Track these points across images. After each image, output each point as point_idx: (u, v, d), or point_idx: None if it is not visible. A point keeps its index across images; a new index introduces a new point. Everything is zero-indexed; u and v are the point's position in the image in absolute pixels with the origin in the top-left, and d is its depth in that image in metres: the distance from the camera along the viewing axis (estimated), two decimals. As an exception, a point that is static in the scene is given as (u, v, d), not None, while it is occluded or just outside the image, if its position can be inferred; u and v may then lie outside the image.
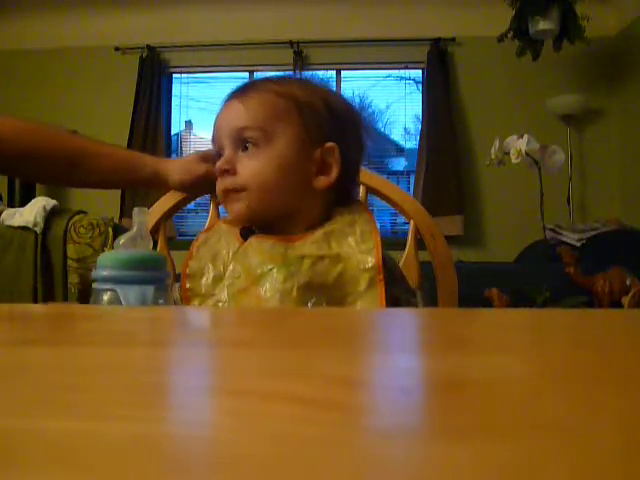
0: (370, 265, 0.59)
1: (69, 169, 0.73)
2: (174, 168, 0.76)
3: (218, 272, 0.62)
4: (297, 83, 0.68)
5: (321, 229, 0.62)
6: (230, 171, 0.63)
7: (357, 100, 3.67)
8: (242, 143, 0.63)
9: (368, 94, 3.71)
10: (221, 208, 0.84)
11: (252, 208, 0.63)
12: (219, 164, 0.64)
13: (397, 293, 0.62)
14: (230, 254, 0.63)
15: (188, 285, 0.63)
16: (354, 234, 0.62)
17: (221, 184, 0.65)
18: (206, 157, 0.74)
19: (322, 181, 0.64)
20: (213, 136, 0.68)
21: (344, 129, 0.66)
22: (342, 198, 0.67)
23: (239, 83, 0.69)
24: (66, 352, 0.24)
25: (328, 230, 0.62)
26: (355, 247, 0.61)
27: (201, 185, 0.75)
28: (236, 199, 0.64)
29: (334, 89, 0.75)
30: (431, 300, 0.78)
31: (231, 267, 0.62)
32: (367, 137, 0.70)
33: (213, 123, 0.68)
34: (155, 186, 0.78)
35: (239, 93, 0.66)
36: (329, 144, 0.64)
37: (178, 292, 0.64)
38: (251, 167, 0.63)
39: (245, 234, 0.65)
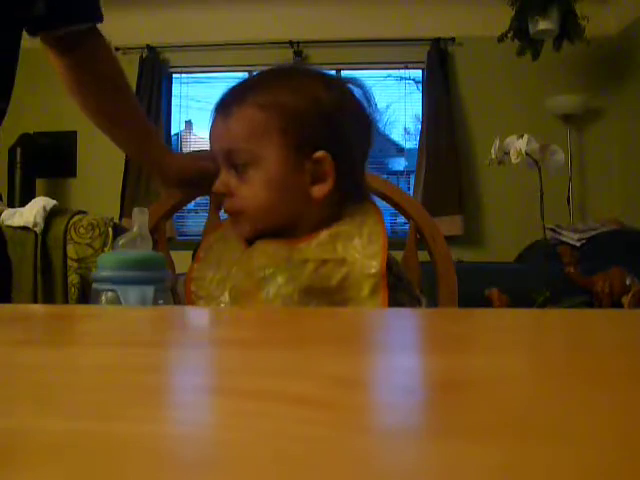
0: (374, 270, 0.58)
1: (117, 114, 0.79)
2: (172, 164, 0.77)
3: (222, 274, 0.62)
4: (286, 85, 0.63)
5: (327, 230, 0.61)
6: (227, 194, 0.63)
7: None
8: (232, 164, 0.62)
9: (368, 94, 3.70)
10: (220, 208, 0.84)
11: (254, 229, 0.63)
12: (215, 187, 0.64)
13: (402, 299, 0.61)
14: (234, 256, 0.63)
15: (193, 288, 0.63)
16: (361, 236, 0.60)
17: (223, 206, 0.66)
18: (205, 156, 0.74)
19: (318, 190, 0.61)
20: (210, 149, 0.67)
21: (337, 130, 0.62)
22: (349, 196, 0.64)
23: (227, 88, 0.66)
24: (66, 352, 0.24)
25: (335, 232, 0.61)
26: (361, 250, 0.59)
27: (195, 182, 0.76)
28: (237, 221, 0.64)
29: (333, 76, 0.69)
30: (430, 300, 0.78)
31: (234, 270, 0.62)
32: (371, 125, 0.66)
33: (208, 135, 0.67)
34: (154, 174, 0.81)
35: (222, 108, 0.64)
36: (319, 154, 0.60)
37: (182, 288, 0.64)
38: (244, 191, 0.62)
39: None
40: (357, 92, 0.66)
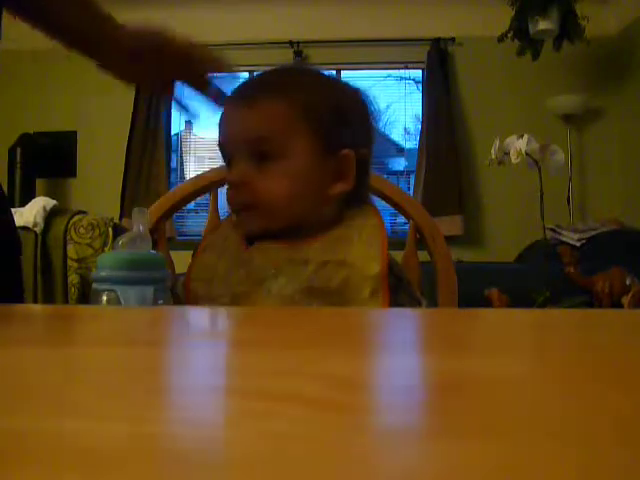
0: (375, 272, 0.58)
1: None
2: (124, 33, 0.72)
3: (221, 275, 0.62)
4: (305, 83, 0.64)
5: (328, 232, 0.61)
6: (243, 184, 0.60)
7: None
8: (257, 155, 0.60)
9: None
10: (220, 208, 0.84)
11: (268, 224, 0.61)
12: (233, 177, 0.60)
13: (402, 301, 0.61)
14: (234, 257, 0.63)
15: (192, 288, 0.62)
16: (361, 238, 0.60)
17: (236, 198, 0.61)
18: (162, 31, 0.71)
19: (339, 188, 0.61)
20: (220, 142, 0.64)
21: (355, 129, 0.63)
22: (353, 198, 0.64)
23: (242, 81, 0.66)
24: (66, 352, 0.24)
25: (335, 234, 0.61)
26: (361, 252, 0.59)
27: (151, 49, 0.71)
28: (251, 215, 0.61)
29: (339, 79, 0.72)
30: (430, 300, 0.78)
31: (234, 270, 0.61)
32: (374, 128, 0.67)
33: (219, 127, 0.64)
34: (101, 51, 0.72)
35: (247, 97, 0.62)
36: (345, 152, 0.61)
37: (181, 288, 0.64)
38: (268, 184, 0.59)
39: (250, 237, 0.65)
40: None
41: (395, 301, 0.59)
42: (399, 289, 0.61)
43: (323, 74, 0.69)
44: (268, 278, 0.59)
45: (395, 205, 0.82)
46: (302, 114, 0.60)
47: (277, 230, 0.61)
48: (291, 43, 3.46)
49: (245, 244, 0.63)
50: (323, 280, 0.58)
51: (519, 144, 2.24)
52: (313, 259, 0.59)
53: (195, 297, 0.62)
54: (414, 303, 0.63)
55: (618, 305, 1.73)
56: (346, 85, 0.68)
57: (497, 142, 2.32)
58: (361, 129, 0.65)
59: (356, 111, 0.65)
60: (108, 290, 0.48)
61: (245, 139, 0.60)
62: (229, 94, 0.65)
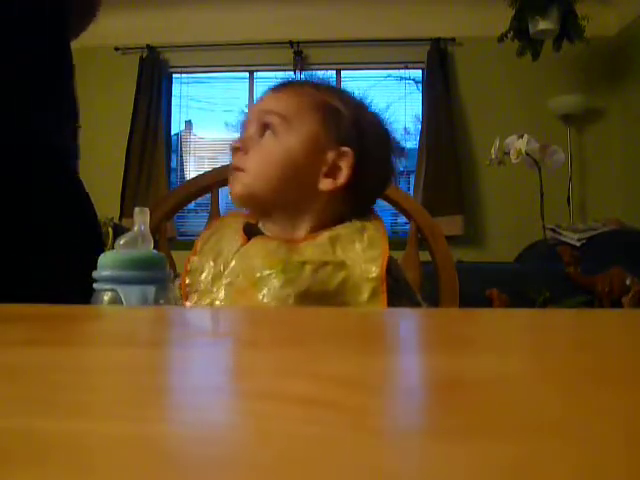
0: (374, 275, 0.58)
1: None
2: None
3: (218, 269, 0.62)
4: (332, 92, 0.69)
5: (327, 232, 0.61)
6: (242, 150, 0.64)
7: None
8: (262, 127, 0.64)
9: (368, 94, 3.71)
10: (221, 208, 0.84)
11: (248, 191, 0.64)
12: (234, 142, 0.66)
13: (401, 304, 0.61)
14: (231, 256, 0.63)
15: (187, 281, 0.63)
16: (361, 240, 0.60)
17: (233, 160, 0.66)
18: None
19: (327, 183, 0.63)
20: (243, 121, 0.69)
21: (369, 145, 0.66)
22: (358, 211, 0.66)
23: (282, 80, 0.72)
24: (66, 352, 0.24)
25: (334, 234, 0.61)
26: (361, 254, 0.59)
27: None
28: (238, 178, 0.64)
29: (370, 107, 0.74)
30: (431, 300, 0.78)
31: (231, 265, 0.61)
32: (396, 162, 0.71)
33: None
34: None
35: (276, 87, 0.69)
36: (344, 148, 0.64)
37: (178, 289, 0.63)
38: (261, 152, 0.64)
39: (249, 232, 0.65)
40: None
41: (394, 304, 0.58)
42: (397, 292, 0.61)
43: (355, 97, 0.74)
44: (264, 278, 0.58)
45: (395, 205, 0.82)
46: (316, 103, 0.65)
47: (260, 203, 0.64)
48: (291, 43, 3.46)
49: (243, 237, 0.63)
50: (321, 282, 0.57)
51: (519, 144, 2.24)
52: (311, 260, 0.59)
53: (190, 290, 0.62)
54: (413, 306, 0.63)
55: (618, 305, 1.73)
56: (375, 112, 0.74)
57: (497, 142, 2.33)
58: (375, 148, 0.68)
59: (375, 132, 0.69)
60: (109, 290, 0.48)
61: (255, 111, 0.66)
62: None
